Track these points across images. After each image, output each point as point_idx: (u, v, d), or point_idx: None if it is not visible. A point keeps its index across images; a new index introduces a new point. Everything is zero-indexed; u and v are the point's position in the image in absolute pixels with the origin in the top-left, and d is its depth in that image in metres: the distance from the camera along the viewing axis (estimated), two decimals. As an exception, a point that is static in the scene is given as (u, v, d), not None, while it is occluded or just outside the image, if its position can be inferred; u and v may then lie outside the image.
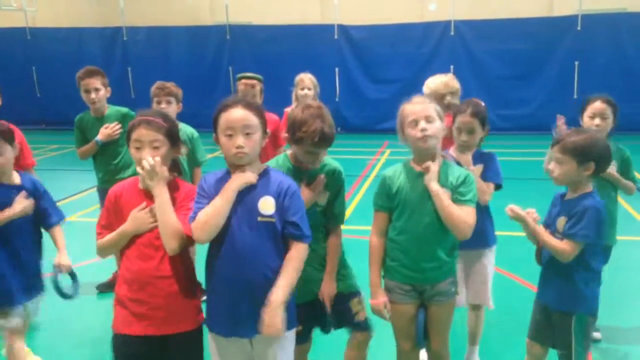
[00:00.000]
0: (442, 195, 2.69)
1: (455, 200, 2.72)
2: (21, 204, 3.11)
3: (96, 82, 4.54)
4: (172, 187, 2.58)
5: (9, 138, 3.15)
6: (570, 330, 2.79)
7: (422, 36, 13.34)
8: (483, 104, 3.38)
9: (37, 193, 3.23)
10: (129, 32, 14.50)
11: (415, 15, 13.35)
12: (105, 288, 4.93)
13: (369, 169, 9.64)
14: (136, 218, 2.52)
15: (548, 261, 2.85)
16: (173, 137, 2.60)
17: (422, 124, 2.69)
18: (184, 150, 4.36)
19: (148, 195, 2.55)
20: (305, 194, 2.69)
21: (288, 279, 2.41)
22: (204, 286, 2.60)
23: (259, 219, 2.41)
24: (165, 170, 2.51)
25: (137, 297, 2.52)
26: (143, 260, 2.52)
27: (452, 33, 13.22)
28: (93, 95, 4.52)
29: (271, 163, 2.81)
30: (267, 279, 2.41)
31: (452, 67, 13.05)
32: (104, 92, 4.59)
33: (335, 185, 2.87)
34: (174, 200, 2.53)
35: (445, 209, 2.68)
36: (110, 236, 2.56)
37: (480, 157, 3.35)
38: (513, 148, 10.81)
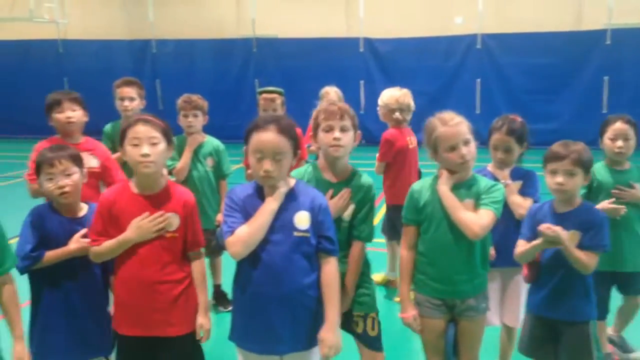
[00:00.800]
0: (449, 197, 2.70)
1: (476, 206, 2.72)
2: (78, 243, 2.63)
3: (132, 92, 4.61)
4: (168, 194, 2.63)
5: (78, 160, 2.73)
6: (586, 339, 2.79)
7: (448, 49, 13.31)
8: (520, 119, 3.32)
9: None
10: (158, 45, 14.73)
11: (441, 28, 13.31)
12: None
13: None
14: (140, 227, 2.54)
15: (562, 276, 2.81)
16: (168, 137, 2.63)
17: (463, 150, 2.69)
18: (209, 162, 4.46)
19: (144, 200, 2.57)
20: (330, 205, 2.66)
21: (336, 295, 2.48)
22: (229, 297, 2.62)
23: (295, 233, 2.43)
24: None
25: (138, 301, 2.56)
26: (144, 265, 2.55)
27: (478, 46, 13.16)
28: (127, 104, 4.58)
29: (299, 173, 2.80)
30: (303, 293, 2.44)
31: (478, 80, 13.01)
32: (138, 103, 4.64)
33: (363, 199, 2.81)
34: (173, 209, 2.60)
35: (451, 209, 2.68)
36: (109, 243, 2.56)
37: (519, 174, 3.30)
38: (538, 163, 10.66)
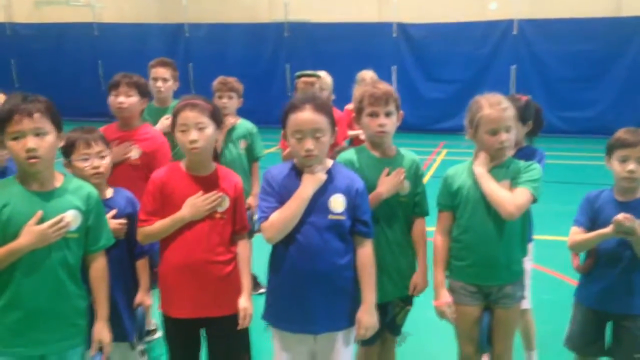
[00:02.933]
0: (485, 176, 2.67)
1: (512, 186, 2.68)
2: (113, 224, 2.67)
3: (165, 73, 4.61)
4: (219, 176, 2.66)
5: (108, 144, 2.82)
6: None
7: (483, 35, 13.10)
8: (525, 98, 3.26)
9: (133, 214, 2.80)
10: (191, 29, 14.81)
11: (476, 13, 13.08)
12: None
13: (424, 169, 9.52)
14: (194, 205, 2.56)
15: (624, 268, 2.73)
16: (217, 118, 2.64)
17: (503, 136, 2.66)
18: (242, 144, 4.47)
19: (195, 181, 2.61)
20: (386, 183, 2.72)
21: (373, 277, 2.51)
22: (259, 279, 2.63)
23: (330, 217, 2.44)
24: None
25: (186, 281, 2.58)
26: (193, 246, 2.58)
27: (514, 32, 12.91)
28: (160, 84, 4.59)
29: (348, 154, 2.82)
30: (337, 274, 2.46)
31: (513, 67, 12.78)
32: (171, 84, 4.65)
33: (415, 175, 2.87)
34: (224, 190, 2.61)
35: (487, 188, 2.65)
36: (162, 222, 2.59)
37: (525, 154, 3.18)
38: (573, 151, 10.48)
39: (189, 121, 2.54)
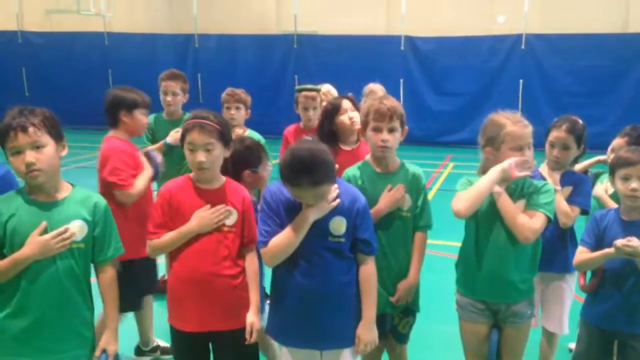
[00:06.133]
0: (503, 196, 2.66)
1: (527, 207, 2.66)
2: None
3: (175, 86, 4.66)
4: (227, 189, 2.67)
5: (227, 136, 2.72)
6: None
7: (491, 49, 13.13)
8: (581, 121, 3.25)
9: None
10: (201, 39, 14.90)
11: (484, 28, 13.12)
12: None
13: (431, 182, 9.53)
14: (202, 218, 2.58)
15: (631, 287, 2.71)
16: (225, 138, 2.65)
17: (527, 152, 2.67)
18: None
19: (204, 194, 2.62)
20: (386, 199, 2.76)
21: (373, 295, 2.51)
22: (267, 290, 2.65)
23: (330, 239, 2.44)
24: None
25: (194, 294, 2.59)
26: (201, 259, 2.58)
27: (522, 47, 12.93)
28: (169, 98, 4.65)
29: (352, 170, 2.87)
30: (340, 292, 2.46)
31: (521, 81, 12.79)
32: (180, 98, 4.70)
33: (417, 189, 2.88)
34: (232, 204, 2.63)
35: (505, 210, 2.64)
36: (170, 235, 2.60)
37: (571, 179, 3.21)
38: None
39: (196, 142, 2.57)
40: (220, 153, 2.62)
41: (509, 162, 2.62)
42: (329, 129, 3.64)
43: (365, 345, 2.49)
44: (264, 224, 2.46)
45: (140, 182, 3.42)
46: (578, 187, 3.18)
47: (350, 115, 3.60)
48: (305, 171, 2.28)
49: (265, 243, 2.43)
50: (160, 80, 4.71)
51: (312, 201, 2.38)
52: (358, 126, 3.39)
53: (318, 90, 4.74)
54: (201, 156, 2.55)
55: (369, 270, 2.51)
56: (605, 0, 12.72)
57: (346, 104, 3.62)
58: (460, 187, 2.74)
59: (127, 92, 3.59)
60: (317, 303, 2.44)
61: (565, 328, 3.39)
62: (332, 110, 3.63)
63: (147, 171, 3.52)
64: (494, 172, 2.64)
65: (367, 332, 2.49)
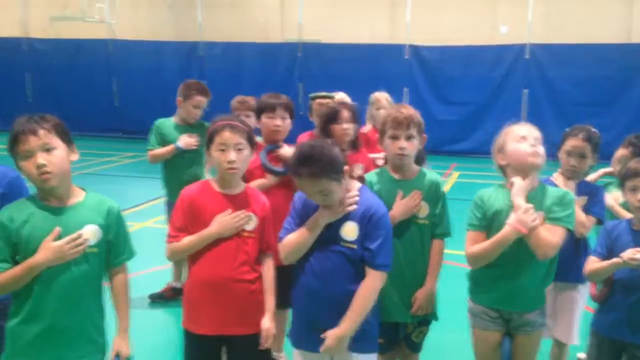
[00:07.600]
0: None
1: (547, 220, 2.62)
2: None
3: (204, 102, 4.77)
4: (247, 195, 2.70)
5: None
6: None
7: (495, 59, 13.15)
8: (597, 131, 3.25)
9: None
10: (205, 47, 14.94)
11: (489, 37, 13.16)
12: (158, 298, 4.91)
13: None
14: (223, 222, 2.59)
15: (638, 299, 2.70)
16: (252, 140, 2.70)
17: (532, 141, 2.67)
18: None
19: (224, 199, 2.64)
20: (400, 206, 2.77)
21: (359, 310, 2.42)
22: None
23: (342, 244, 2.45)
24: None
25: (211, 298, 2.60)
26: (220, 263, 2.59)
27: (526, 56, 12.95)
28: (198, 112, 4.76)
29: (371, 175, 2.90)
30: (345, 298, 2.44)
31: (525, 91, 12.79)
32: (200, 112, 4.81)
33: (435, 196, 2.88)
34: (253, 209, 2.66)
35: (530, 229, 2.58)
36: (190, 238, 2.61)
37: (586, 188, 3.20)
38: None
39: (228, 142, 2.60)
40: (248, 155, 2.67)
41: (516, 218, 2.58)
42: (325, 134, 3.63)
43: (326, 349, 2.43)
44: (287, 223, 2.54)
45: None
46: (594, 196, 3.16)
47: (344, 127, 3.55)
48: (304, 162, 2.36)
49: (282, 239, 2.51)
50: (188, 88, 4.73)
51: (317, 198, 2.41)
52: (348, 138, 3.49)
53: (332, 98, 4.74)
54: (233, 155, 2.58)
55: (367, 284, 2.44)
56: (609, 10, 12.75)
57: (345, 113, 3.58)
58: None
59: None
60: (326, 307, 2.44)
61: (576, 338, 3.36)
62: (330, 116, 3.61)
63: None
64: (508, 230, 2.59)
65: (338, 342, 2.41)
